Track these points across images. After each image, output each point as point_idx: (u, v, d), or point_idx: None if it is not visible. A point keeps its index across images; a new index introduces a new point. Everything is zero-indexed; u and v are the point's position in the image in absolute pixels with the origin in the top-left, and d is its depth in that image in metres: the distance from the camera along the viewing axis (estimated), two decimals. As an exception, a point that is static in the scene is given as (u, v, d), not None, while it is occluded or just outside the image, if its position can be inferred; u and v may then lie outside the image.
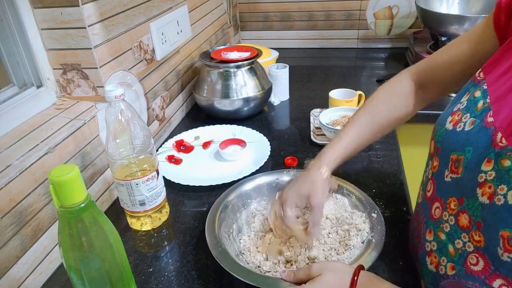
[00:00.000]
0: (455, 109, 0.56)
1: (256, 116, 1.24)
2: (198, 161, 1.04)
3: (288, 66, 1.31)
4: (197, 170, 0.99)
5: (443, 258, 0.54)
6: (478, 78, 0.55)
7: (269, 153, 1.00)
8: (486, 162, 0.48)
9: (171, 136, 1.15)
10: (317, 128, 1.11)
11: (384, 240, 0.66)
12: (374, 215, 0.72)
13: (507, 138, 0.46)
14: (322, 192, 0.69)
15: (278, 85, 1.30)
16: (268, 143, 1.05)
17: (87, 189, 0.81)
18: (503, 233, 0.44)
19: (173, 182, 0.92)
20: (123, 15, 0.90)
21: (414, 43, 1.51)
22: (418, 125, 1.04)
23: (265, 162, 0.96)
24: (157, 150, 1.06)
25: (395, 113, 0.73)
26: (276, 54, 1.54)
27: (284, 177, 0.82)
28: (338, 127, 1.05)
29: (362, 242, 0.68)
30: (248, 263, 0.68)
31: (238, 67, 1.17)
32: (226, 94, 1.16)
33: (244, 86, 1.17)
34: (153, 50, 1.05)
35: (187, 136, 1.12)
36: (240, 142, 1.05)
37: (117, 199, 0.88)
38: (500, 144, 0.46)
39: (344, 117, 1.10)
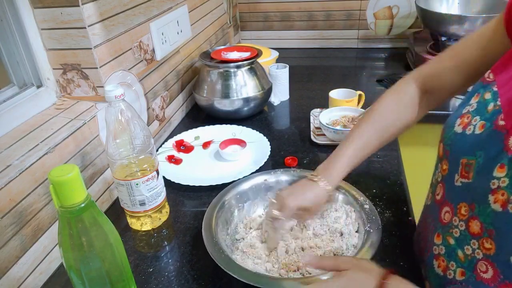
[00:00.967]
0: (464, 111, 0.54)
1: (256, 116, 1.24)
2: (198, 161, 1.04)
3: (288, 66, 1.31)
4: (197, 170, 0.99)
5: (452, 263, 0.53)
6: (488, 79, 0.53)
7: (269, 153, 1.00)
8: (498, 168, 0.46)
9: (171, 136, 1.15)
10: (317, 128, 1.11)
11: (382, 235, 0.67)
12: (366, 207, 0.73)
13: None
14: (321, 205, 0.72)
15: (278, 85, 1.30)
16: (268, 143, 1.05)
17: (87, 189, 0.81)
18: None
19: (173, 182, 0.92)
20: (123, 15, 0.90)
21: (414, 43, 1.51)
22: (418, 125, 1.03)
23: (265, 162, 0.96)
24: (157, 150, 1.06)
25: (402, 120, 0.72)
26: (276, 54, 1.54)
27: (281, 176, 0.83)
28: (338, 127, 1.05)
29: (354, 246, 0.69)
30: (244, 262, 0.68)
31: (238, 67, 1.17)
32: (226, 94, 1.16)
33: (244, 86, 1.17)
34: (153, 50, 1.05)
35: (187, 136, 1.12)
36: (240, 142, 1.05)
37: (117, 199, 0.88)
38: None
39: (344, 117, 1.10)
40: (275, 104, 1.31)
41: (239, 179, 0.84)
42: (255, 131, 1.11)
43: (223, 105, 1.18)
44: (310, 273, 0.65)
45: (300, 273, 0.66)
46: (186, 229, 0.81)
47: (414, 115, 0.72)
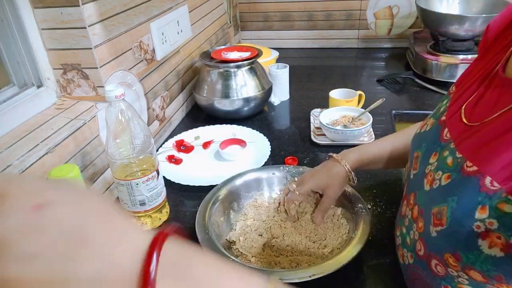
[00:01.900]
0: (426, 171, 0.53)
1: (256, 116, 1.24)
2: (198, 161, 1.04)
3: (288, 66, 1.31)
4: (197, 170, 0.99)
5: (404, 250, 0.58)
6: (445, 138, 0.52)
7: (269, 153, 1.00)
8: (433, 156, 0.51)
9: (171, 136, 1.15)
10: (317, 128, 1.11)
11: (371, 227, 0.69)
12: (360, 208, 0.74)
13: (499, 180, 0.40)
14: (340, 186, 0.73)
15: (278, 85, 1.30)
16: (268, 143, 1.05)
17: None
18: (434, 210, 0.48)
19: (173, 182, 0.92)
20: (123, 15, 0.90)
21: (414, 43, 1.51)
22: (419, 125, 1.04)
23: (265, 162, 0.96)
24: (157, 150, 1.06)
25: None
26: (276, 54, 1.54)
27: (276, 172, 0.85)
28: (338, 127, 1.05)
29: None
30: (237, 256, 0.69)
31: (238, 67, 1.17)
32: (226, 94, 1.16)
33: (244, 86, 1.17)
34: (153, 50, 1.05)
35: (187, 136, 1.12)
36: (240, 142, 1.05)
37: (117, 199, 0.88)
38: (492, 188, 0.41)
39: (344, 117, 1.10)
40: (275, 104, 1.31)
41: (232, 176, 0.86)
42: (255, 131, 1.11)
43: (223, 105, 1.18)
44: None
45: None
46: (186, 229, 0.81)
47: None
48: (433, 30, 1.43)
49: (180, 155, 1.06)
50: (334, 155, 0.76)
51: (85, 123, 0.79)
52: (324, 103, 1.21)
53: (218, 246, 0.67)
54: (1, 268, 0.24)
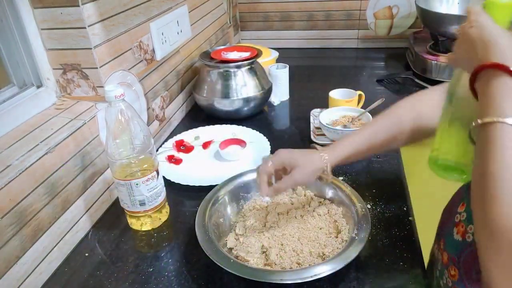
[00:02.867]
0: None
1: (256, 116, 1.24)
2: (198, 161, 1.04)
3: (288, 66, 1.31)
4: (197, 170, 0.99)
5: (470, 226, 0.55)
6: None
7: (269, 153, 1.00)
8: None
9: (171, 136, 1.15)
10: (317, 128, 1.11)
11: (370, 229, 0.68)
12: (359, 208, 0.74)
13: None
14: (309, 174, 0.69)
15: (278, 85, 1.30)
16: (268, 143, 1.05)
17: (87, 189, 0.81)
18: None
19: (173, 182, 0.92)
20: (123, 15, 0.90)
21: (414, 43, 1.51)
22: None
23: (265, 162, 0.96)
24: (157, 150, 1.06)
25: (420, 122, 0.71)
26: (276, 54, 1.54)
27: None
28: (338, 127, 1.05)
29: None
30: (237, 257, 0.69)
31: (238, 67, 1.17)
32: (226, 94, 1.16)
33: (244, 86, 1.17)
34: (153, 50, 1.04)
35: (187, 136, 1.12)
36: (240, 142, 1.05)
37: (117, 199, 0.88)
38: None
39: (344, 117, 1.10)
40: (275, 104, 1.31)
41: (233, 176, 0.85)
42: (255, 131, 1.11)
43: (223, 105, 1.18)
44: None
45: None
46: (186, 229, 0.81)
47: (434, 121, 0.68)
48: (433, 30, 1.43)
49: (180, 155, 1.06)
50: (317, 146, 0.73)
51: (85, 123, 0.79)
52: (324, 103, 1.21)
53: (218, 246, 0.67)
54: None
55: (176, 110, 1.23)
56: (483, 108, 0.45)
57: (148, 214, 0.79)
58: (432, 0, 1.49)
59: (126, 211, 0.80)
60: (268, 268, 0.67)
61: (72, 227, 0.77)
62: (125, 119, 0.71)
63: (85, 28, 0.77)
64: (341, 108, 1.12)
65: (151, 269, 0.72)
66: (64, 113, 0.81)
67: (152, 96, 1.06)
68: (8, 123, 0.74)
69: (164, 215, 0.83)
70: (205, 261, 0.72)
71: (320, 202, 0.80)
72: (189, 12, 1.24)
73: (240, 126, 1.14)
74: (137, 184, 0.74)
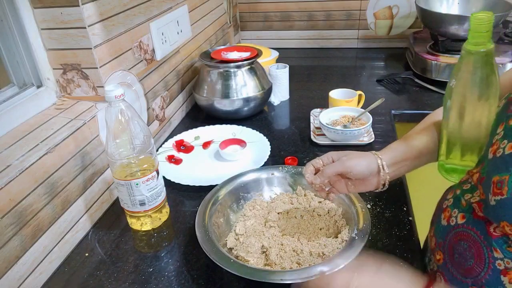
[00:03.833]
0: (493, 140, 0.54)
1: (256, 116, 1.24)
2: (198, 161, 1.04)
3: (288, 66, 1.31)
4: (197, 170, 0.99)
5: (454, 210, 0.59)
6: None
7: (269, 153, 1.00)
8: None
9: (171, 136, 1.15)
10: (317, 128, 1.11)
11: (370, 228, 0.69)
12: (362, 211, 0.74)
13: None
14: (361, 162, 0.66)
15: (278, 85, 1.30)
16: (268, 143, 1.05)
17: (87, 189, 0.81)
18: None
19: (173, 182, 0.92)
20: (123, 15, 0.90)
21: (414, 43, 1.51)
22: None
23: (265, 162, 0.96)
24: (157, 150, 1.06)
25: None
26: (276, 54, 1.54)
27: (276, 173, 0.85)
28: (338, 127, 1.05)
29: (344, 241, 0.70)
30: (237, 257, 0.69)
31: (238, 67, 1.17)
32: (226, 94, 1.16)
33: (244, 86, 1.17)
34: (153, 50, 1.05)
35: (187, 136, 1.12)
36: (240, 142, 1.05)
37: (117, 199, 0.88)
38: None
39: (344, 117, 1.10)
40: (275, 104, 1.31)
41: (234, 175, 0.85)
42: (255, 131, 1.11)
43: (223, 105, 1.18)
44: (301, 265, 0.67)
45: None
46: (186, 229, 0.81)
47: None
48: (432, 30, 1.43)
49: (180, 155, 1.06)
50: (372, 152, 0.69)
51: (85, 123, 0.79)
52: (324, 103, 1.21)
53: (218, 246, 0.67)
54: None
55: (176, 110, 1.23)
56: None
57: (148, 214, 0.79)
58: (432, 0, 1.49)
59: (126, 211, 0.80)
60: (268, 268, 0.67)
61: (72, 227, 0.77)
62: (125, 119, 0.71)
63: (85, 28, 0.77)
64: (341, 108, 1.12)
65: (151, 269, 0.72)
66: (64, 113, 0.81)
67: (152, 96, 1.06)
68: (8, 123, 0.74)
69: (164, 215, 0.83)
70: (205, 261, 0.72)
71: (320, 202, 0.80)
72: (189, 12, 1.24)
73: (240, 126, 1.14)
74: (137, 184, 0.74)
